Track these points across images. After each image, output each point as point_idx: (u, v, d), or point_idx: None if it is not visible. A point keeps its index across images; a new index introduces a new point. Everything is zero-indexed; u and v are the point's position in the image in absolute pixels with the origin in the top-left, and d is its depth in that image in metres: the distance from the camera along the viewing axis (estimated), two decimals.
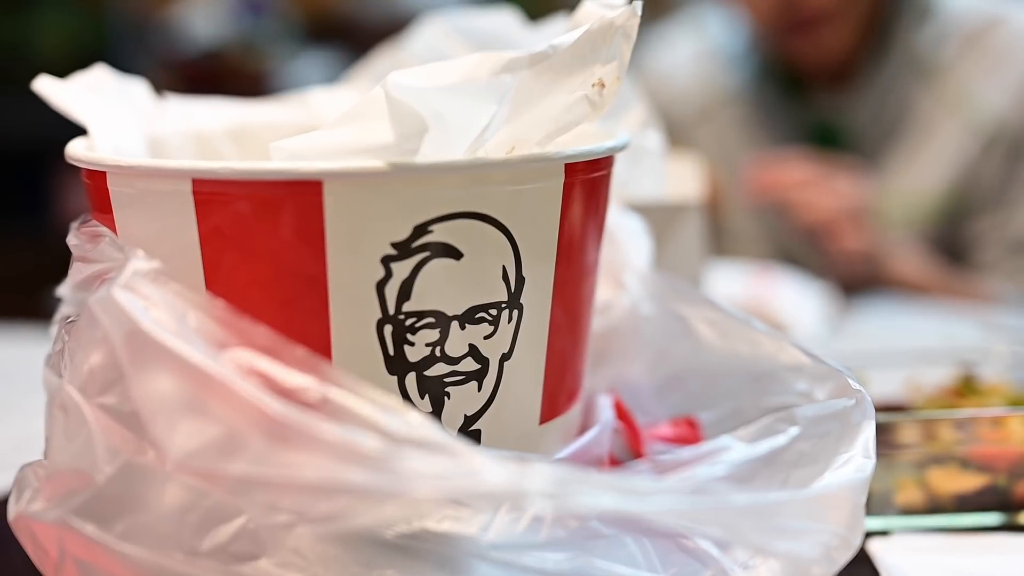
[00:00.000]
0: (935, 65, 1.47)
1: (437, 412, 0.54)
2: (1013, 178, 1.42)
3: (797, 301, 1.14)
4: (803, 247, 1.39)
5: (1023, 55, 1.45)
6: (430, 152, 0.50)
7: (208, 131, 0.69)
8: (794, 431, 0.49)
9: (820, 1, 1.43)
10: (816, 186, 1.33)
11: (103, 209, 0.55)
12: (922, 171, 1.45)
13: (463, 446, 0.43)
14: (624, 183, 0.77)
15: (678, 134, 1.53)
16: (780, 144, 1.51)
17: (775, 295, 1.15)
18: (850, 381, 0.55)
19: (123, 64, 0.70)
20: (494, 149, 0.54)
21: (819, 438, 0.50)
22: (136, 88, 0.67)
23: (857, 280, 1.35)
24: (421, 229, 0.51)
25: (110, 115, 0.62)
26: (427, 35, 0.75)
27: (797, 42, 1.47)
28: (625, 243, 0.70)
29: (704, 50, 1.63)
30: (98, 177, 0.54)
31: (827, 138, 1.50)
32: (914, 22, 1.48)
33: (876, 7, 1.48)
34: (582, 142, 0.56)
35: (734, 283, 1.16)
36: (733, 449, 0.48)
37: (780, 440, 0.48)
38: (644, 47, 1.72)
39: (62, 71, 0.64)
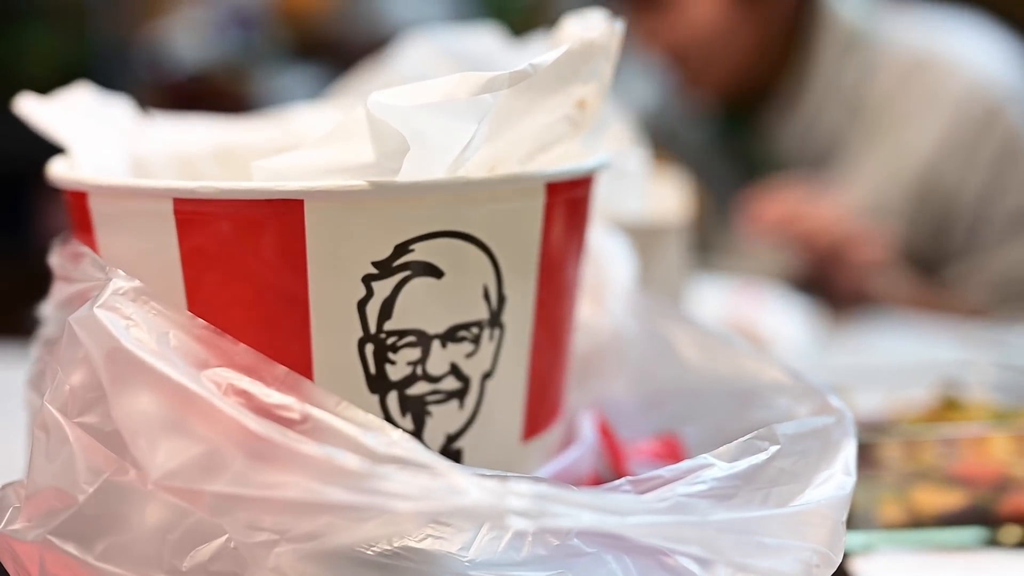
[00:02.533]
0: (864, 97, 1.46)
1: (419, 430, 0.54)
2: (944, 237, 1.42)
3: (781, 317, 1.14)
4: (817, 274, 1.37)
5: (953, 97, 1.42)
6: (411, 171, 0.50)
7: (191, 151, 0.69)
8: (774, 449, 0.49)
9: (677, 38, 1.45)
10: (816, 208, 1.33)
11: (84, 229, 0.55)
12: (840, 196, 1.45)
13: (444, 464, 0.43)
14: (607, 202, 0.77)
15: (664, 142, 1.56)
16: (738, 166, 1.53)
17: (759, 310, 1.15)
18: (831, 399, 0.55)
19: (108, 83, 0.70)
20: (475, 168, 0.54)
21: (800, 456, 0.50)
22: (118, 106, 0.67)
23: (851, 297, 1.34)
24: (402, 248, 0.51)
25: (92, 134, 0.62)
26: (410, 52, 0.75)
27: (682, 80, 1.49)
28: (608, 262, 0.70)
29: (646, 112, 1.63)
30: (79, 197, 0.54)
31: (766, 164, 1.51)
32: (839, 51, 1.47)
33: (780, 34, 1.47)
34: (563, 161, 0.56)
35: (718, 298, 1.16)
36: (713, 467, 0.48)
37: (760, 457, 0.48)
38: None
39: (46, 91, 0.64)
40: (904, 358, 0.88)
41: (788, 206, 1.34)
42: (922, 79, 1.44)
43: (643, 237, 0.78)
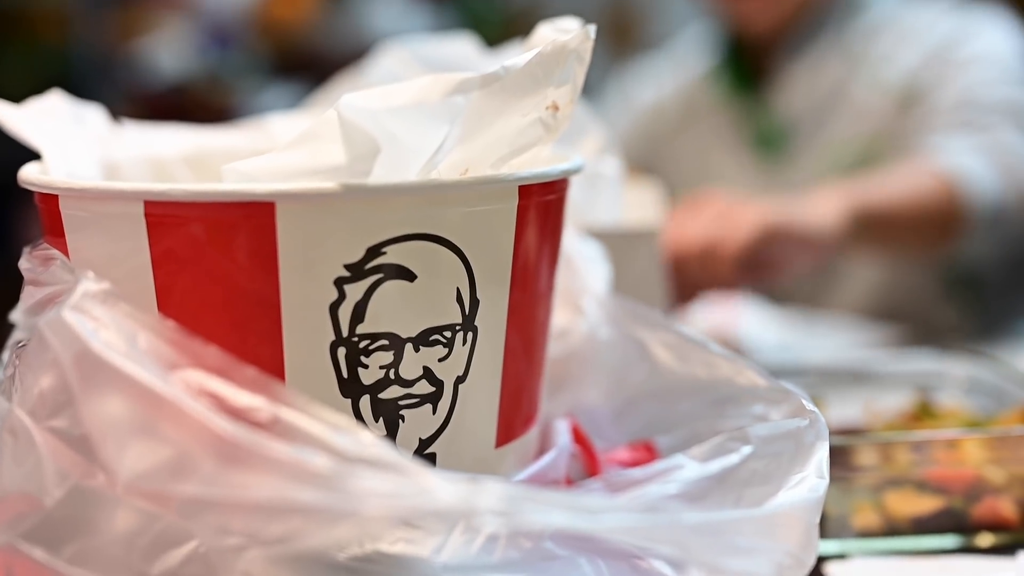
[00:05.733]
0: (865, 55, 1.52)
1: (392, 435, 0.53)
2: (925, 127, 1.43)
3: (758, 328, 1.14)
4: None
5: (938, 31, 1.49)
6: (383, 174, 0.50)
7: (164, 157, 0.69)
8: (747, 450, 0.49)
9: None
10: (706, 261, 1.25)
11: (55, 233, 0.54)
12: (839, 127, 1.50)
13: (415, 465, 0.43)
14: (582, 209, 0.77)
15: (655, 148, 1.59)
16: (740, 147, 1.54)
17: (736, 322, 1.15)
18: (804, 402, 0.55)
19: (89, 97, 0.70)
20: (448, 171, 0.54)
21: (772, 457, 0.50)
22: (92, 114, 0.67)
23: (802, 257, 1.24)
24: (374, 251, 0.51)
25: (65, 140, 0.62)
26: (386, 62, 0.75)
27: (742, 6, 1.52)
28: (583, 269, 0.70)
29: (682, 71, 1.67)
30: (50, 200, 0.54)
31: (769, 141, 1.52)
32: (842, 13, 1.53)
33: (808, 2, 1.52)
34: (537, 166, 0.56)
35: (695, 311, 1.16)
36: (686, 468, 0.48)
37: (733, 459, 0.48)
38: (629, 80, 1.76)
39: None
40: (879, 367, 0.88)
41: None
42: (912, 36, 1.50)
43: (618, 244, 0.78)
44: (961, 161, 1.29)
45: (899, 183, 1.28)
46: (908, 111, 1.46)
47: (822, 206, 1.19)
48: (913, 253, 1.37)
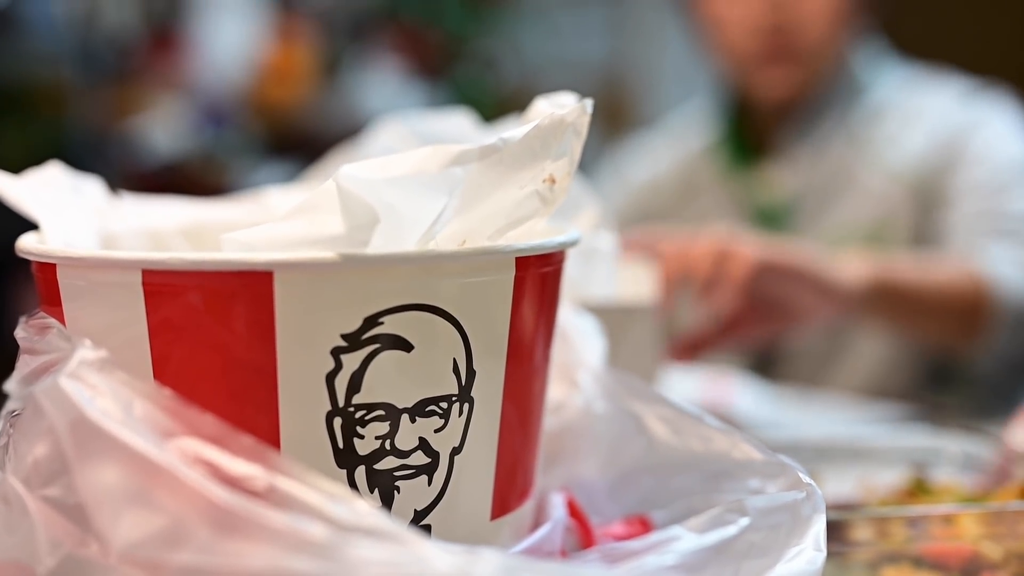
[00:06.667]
0: (869, 138, 1.54)
1: (387, 506, 0.53)
2: (932, 214, 1.44)
3: (752, 404, 1.14)
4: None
5: (947, 117, 1.52)
6: (381, 244, 0.50)
7: (161, 229, 0.69)
8: (744, 521, 0.49)
9: (807, 40, 1.48)
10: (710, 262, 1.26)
11: (52, 302, 0.54)
12: (844, 210, 1.51)
13: (411, 534, 0.43)
14: (577, 283, 0.77)
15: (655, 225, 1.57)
16: (739, 223, 1.55)
17: (731, 398, 1.15)
18: (801, 475, 0.55)
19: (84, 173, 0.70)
20: (445, 242, 0.54)
21: (770, 530, 0.50)
22: (90, 186, 0.67)
23: (816, 309, 1.24)
24: (371, 321, 0.51)
25: (62, 211, 0.62)
26: (383, 136, 0.76)
27: (767, 72, 1.51)
28: (578, 342, 0.70)
29: (679, 148, 1.67)
30: (48, 270, 0.54)
31: (770, 217, 1.53)
32: (848, 94, 1.56)
33: (822, 78, 1.54)
34: (533, 239, 0.56)
35: (690, 387, 1.16)
36: (683, 539, 0.47)
37: (731, 530, 0.48)
38: (624, 157, 1.77)
39: None
40: (875, 443, 0.88)
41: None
42: (915, 120, 1.53)
43: (613, 319, 0.78)
44: (997, 267, 1.30)
45: (930, 268, 1.29)
46: (919, 201, 1.47)
47: (846, 262, 1.21)
48: (931, 340, 1.37)
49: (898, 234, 1.47)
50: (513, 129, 0.53)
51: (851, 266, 1.22)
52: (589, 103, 0.57)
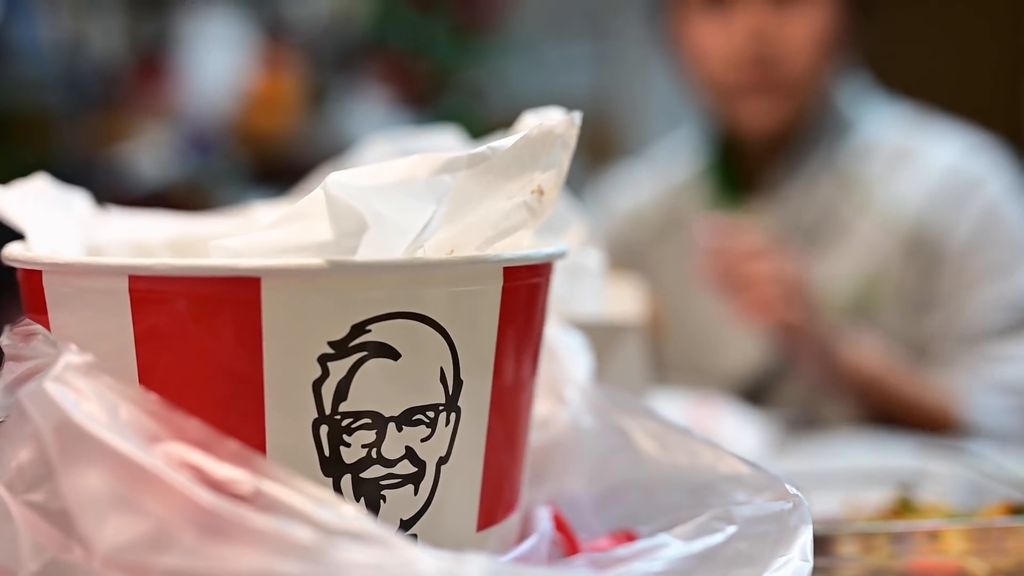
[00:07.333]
0: (856, 177, 1.54)
1: (373, 515, 0.53)
2: (934, 278, 1.45)
3: (738, 430, 1.14)
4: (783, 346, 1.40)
5: (938, 169, 1.52)
6: (369, 251, 0.50)
7: (148, 241, 0.69)
8: (731, 530, 0.49)
9: (790, 71, 1.48)
10: (762, 259, 1.34)
11: (38, 310, 0.54)
12: (834, 263, 1.51)
13: (398, 538, 0.43)
14: (564, 301, 0.77)
15: (635, 257, 1.57)
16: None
17: (717, 424, 1.15)
18: (787, 487, 0.55)
19: None
20: (433, 251, 0.54)
21: (756, 539, 0.49)
22: (77, 198, 0.67)
23: (817, 373, 1.34)
24: (359, 328, 0.51)
25: (49, 221, 0.62)
26: (370, 154, 0.76)
27: (751, 103, 1.51)
28: (565, 358, 0.70)
29: (663, 178, 1.67)
30: (33, 277, 0.54)
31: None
32: (834, 133, 1.55)
33: (807, 112, 1.54)
34: (520, 251, 0.56)
35: (675, 412, 1.16)
36: (670, 546, 0.47)
37: (718, 538, 0.48)
38: (607, 186, 1.77)
39: None
40: (859, 464, 0.88)
41: (736, 244, 1.36)
42: (909, 162, 1.53)
43: (600, 337, 0.78)
44: (980, 403, 1.36)
45: (925, 391, 1.37)
46: (914, 258, 1.47)
47: (864, 347, 1.36)
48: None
49: (889, 291, 1.47)
50: (502, 140, 0.54)
51: (864, 353, 1.36)
52: (577, 115, 0.57)
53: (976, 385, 1.38)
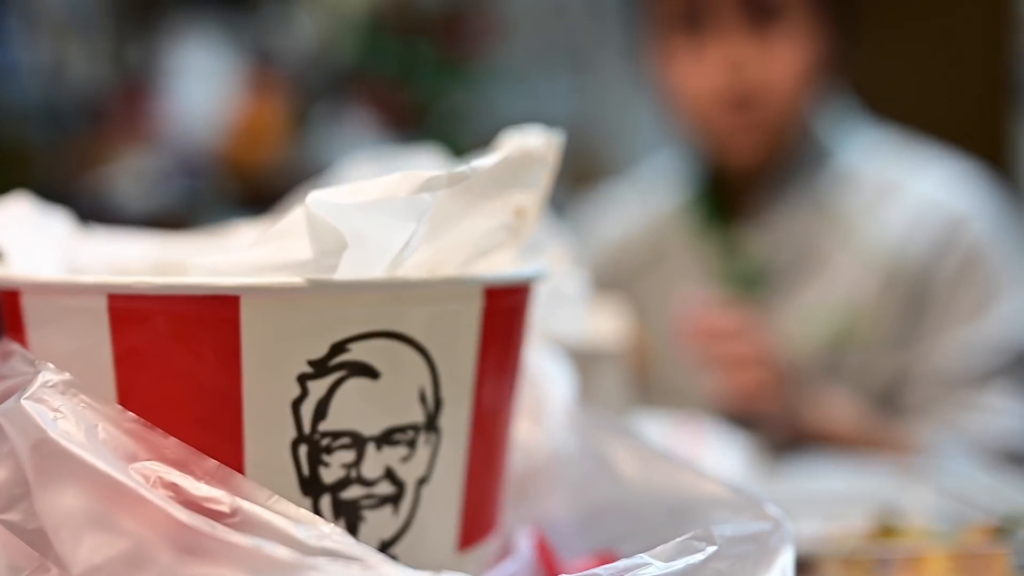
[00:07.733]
0: (837, 210, 1.52)
1: (353, 536, 0.52)
2: (915, 316, 1.45)
3: (722, 452, 1.14)
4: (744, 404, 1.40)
5: (918, 205, 1.50)
6: (349, 270, 0.50)
7: (128, 262, 0.68)
8: (711, 550, 0.48)
9: (770, 103, 1.48)
10: (741, 339, 1.35)
11: (16, 329, 0.54)
12: (814, 294, 1.50)
13: (376, 557, 0.43)
14: (545, 324, 0.77)
15: (622, 286, 1.56)
16: (711, 286, 1.55)
17: (700, 446, 1.15)
18: (768, 508, 0.55)
19: None
20: (414, 270, 0.54)
21: (736, 559, 0.49)
22: (56, 218, 0.67)
23: (782, 437, 1.36)
24: (338, 347, 0.51)
25: (28, 241, 0.62)
26: (350, 170, 0.76)
27: (733, 142, 1.51)
28: (546, 381, 0.70)
29: (650, 205, 1.67)
30: (11, 296, 0.54)
31: (745, 281, 1.54)
32: (814, 163, 1.54)
33: (787, 142, 1.53)
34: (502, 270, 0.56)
35: (659, 434, 1.16)
36: (650, 566, 0.47)
37: (697, 558, 0.48)
38: (592, 212, 1.76)
39: None
40: (842, 488, 0.88)
41: (714, 322, 1.37)
42: (892, 197, 1.52)
43: (581, 361, 0.78)
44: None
45: (891, 445, 1.37)
46: (898, 295, 1.47)
47: (825, 404, 1.38)
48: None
49: (868, 326, 1.46)
50: (482, 159, 0.54)
51: (833, 415, 1.37)
52: (557, 135, 0.57)
53: (946, 438, 1.38)
